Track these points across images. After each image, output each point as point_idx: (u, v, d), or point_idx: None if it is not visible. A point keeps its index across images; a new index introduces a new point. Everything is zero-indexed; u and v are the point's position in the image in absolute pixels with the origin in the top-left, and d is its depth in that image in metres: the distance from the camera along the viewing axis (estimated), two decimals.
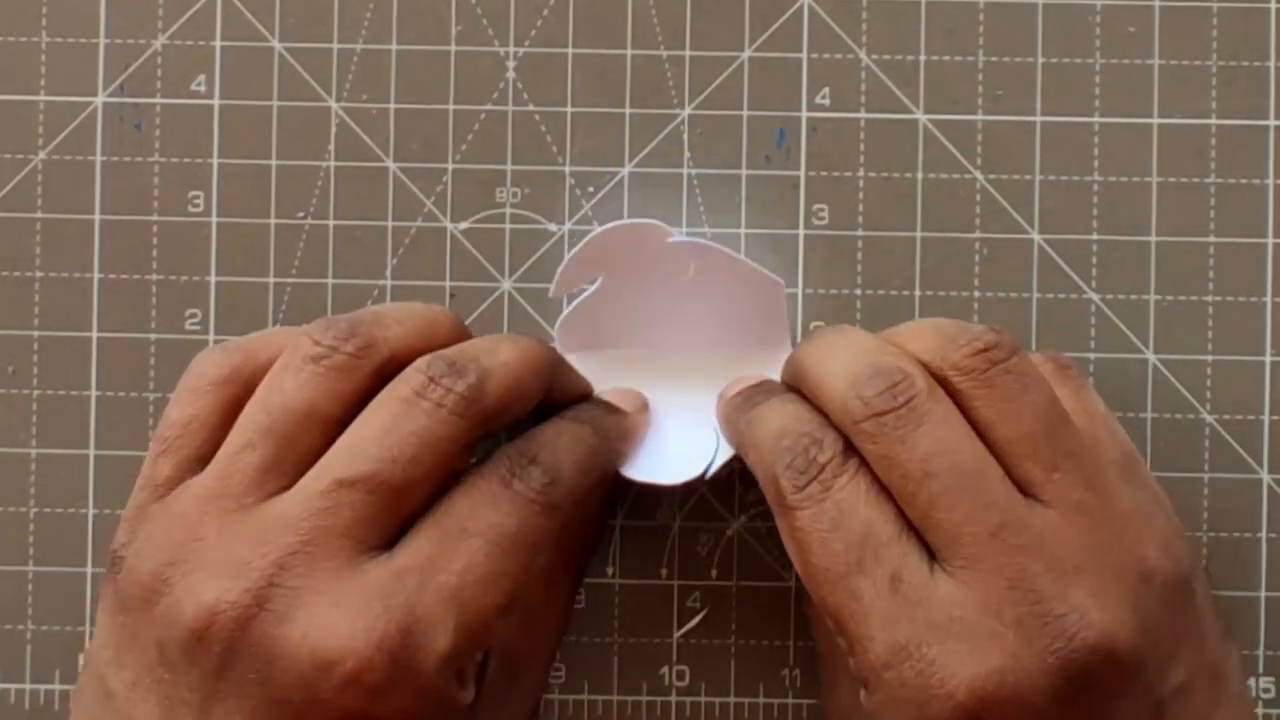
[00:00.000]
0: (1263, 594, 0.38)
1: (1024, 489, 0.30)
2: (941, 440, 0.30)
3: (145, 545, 0.31)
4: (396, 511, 0.30)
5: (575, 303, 0.37)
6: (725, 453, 0.35)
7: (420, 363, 0.31)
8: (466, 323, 0.35)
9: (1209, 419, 0.38)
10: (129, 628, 0.30)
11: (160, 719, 0.29)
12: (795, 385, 0.33)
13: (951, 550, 0.29)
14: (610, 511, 0.38)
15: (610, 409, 0.35)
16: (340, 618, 0.29)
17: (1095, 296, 0.38)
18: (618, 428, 0.35)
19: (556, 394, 0.34)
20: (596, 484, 0.34)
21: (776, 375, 0.35)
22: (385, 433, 0.30)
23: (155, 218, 0.39)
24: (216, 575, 0.29)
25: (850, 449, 0.31)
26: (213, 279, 0.39)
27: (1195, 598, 0.31)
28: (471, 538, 0.30)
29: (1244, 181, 0.38)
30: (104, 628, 0.31)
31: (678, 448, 0.36)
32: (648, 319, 0.37)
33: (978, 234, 0.38)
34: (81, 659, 0.38)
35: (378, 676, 0.28)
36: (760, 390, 0.34)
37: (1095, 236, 0.38)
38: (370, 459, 0.30)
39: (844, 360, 0.31)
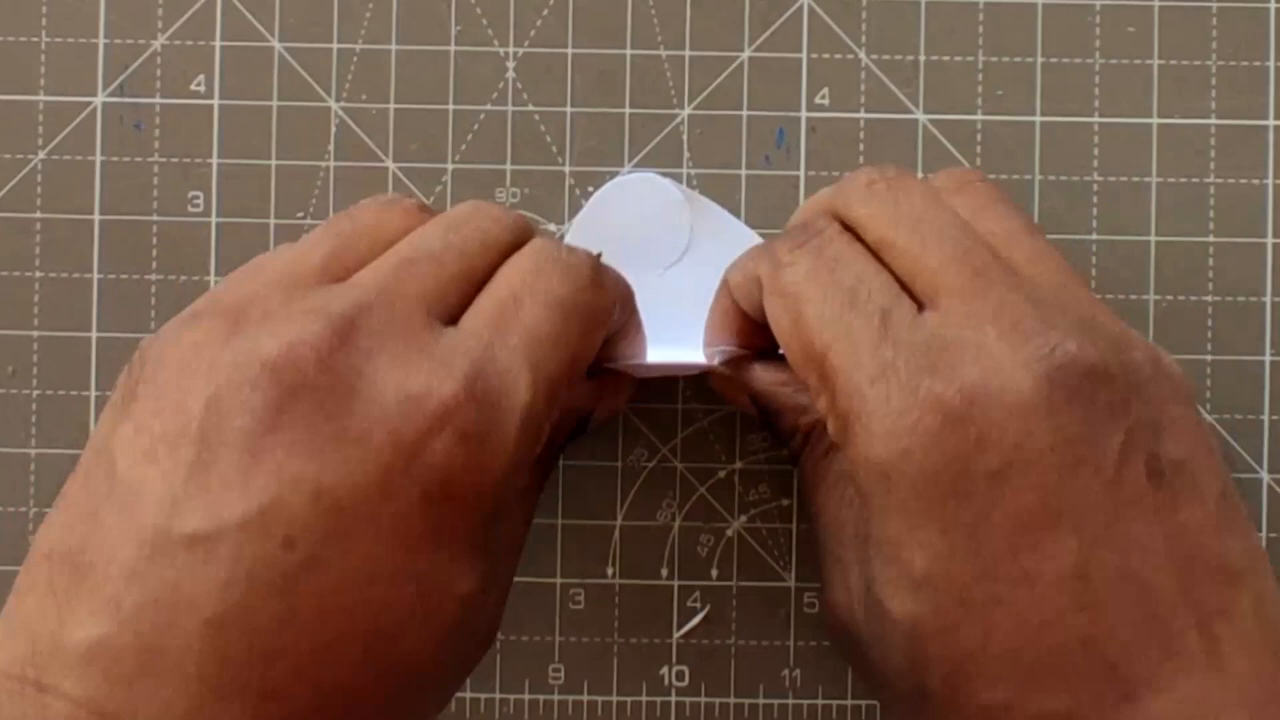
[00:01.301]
0: None
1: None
2: (928, 200, 0.31)
3: (196, 311, 0.29)
4: (461, 289, 0.30)
5: None
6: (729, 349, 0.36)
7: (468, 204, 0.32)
8: None
9: (1209, 419, 0.38)
10: (162, 385, 0.27)
11: (186, 473, 0.26)
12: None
13: (938, 289, 0.29)
14: (609, 511, 0.38)
15: None
16: (425, 362, 0.28)
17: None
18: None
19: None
20: (621, 315, 0.33)
21: None
22: (449, 226, 0.30)
23: (155, 218, 0.39)
24: (295, 316, 0.28)
25: (844, 228, 0.32)
26: (213, 279, 0.39)
27: (1192, 405, 0.30)
28: (530, 301, 0.30)
29: (1244, 181, 0.38)
30: (116, 405, 0.28)
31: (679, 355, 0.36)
32: (646, 290, 0.37)
33: None
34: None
35: (465, 418, 0.27)
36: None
37: (1095, 236, 0.38)
38: (436, 239, 0.30)
39: (827, 190, 0.33)
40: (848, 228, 0.31)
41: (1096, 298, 0.31)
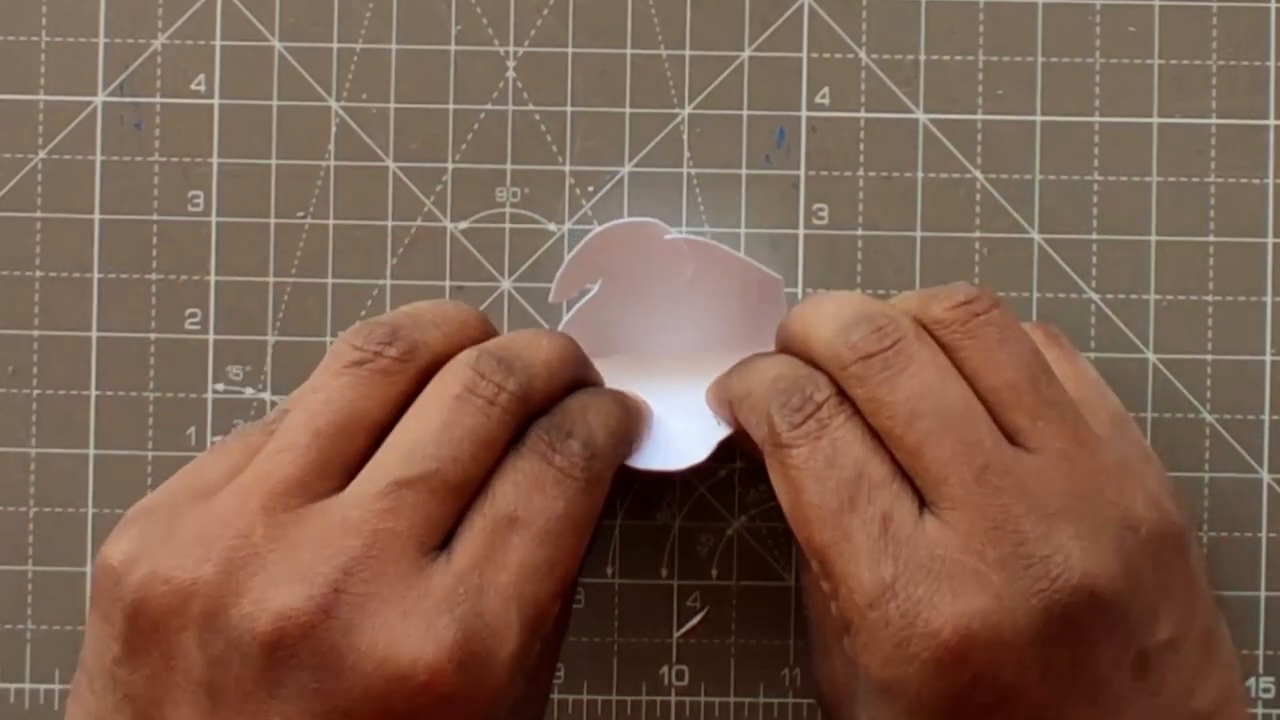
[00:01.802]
0: (1262, 594, 0.38)
1: (1010, 437, 0.30)
2: (928, 382, 0.30)
3: (180, 548, 0.29)
4: (455, 509, 0.30)
5: (575, 309, 0.37)
6: (724, 431, 0.35)
7: (467, 356, 0.31)
8: None
9: (1209, 418, 0.38)
10: (159, 635, 0.29)
11: None
12: (785, 347, 0.33)
13: (938, 492, 0.29)
14: (609, 511, 0.38)
15: (622, 393, 0.35)
16: (410, 628, 0.28)
17: (1095, 296, 0.38)
18: (634, 402, 0.35)
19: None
20: (627, 453, 0.34)
21: None
22: (442, 431, 0.30)
23: (155, 217, 0.39)
24: (281, 581, 0.28)
25: (843, 398, 0.31)
26: (213, 278, 0.39)
27: (1187, 555, 0.31)
28: (523, 527, 0.30)
29: (1244, 181, 0.38)
30: (112, 636, 0.30)
31: (680, 440, 0.36)
32: (647, 321, 0.37)
33: (978, 233, 0.39)
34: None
35: (451, 685, 0.28)
36: (752, 357, 0.34)
37: (1095, 236, 0.39)
38: (430, 458, 0.29)
39: (830, 312, 0.32)
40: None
41: (1104, 420, 0.32)
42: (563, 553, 0.30)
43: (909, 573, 0.28)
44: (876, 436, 0.30)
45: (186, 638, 0.29)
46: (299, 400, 0.31)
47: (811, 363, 0.32)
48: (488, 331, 0.34)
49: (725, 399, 0.34)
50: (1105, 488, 0.30)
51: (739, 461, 0.38)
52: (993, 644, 0.28)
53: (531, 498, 0.30)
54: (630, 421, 0.34)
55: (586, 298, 0.37)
